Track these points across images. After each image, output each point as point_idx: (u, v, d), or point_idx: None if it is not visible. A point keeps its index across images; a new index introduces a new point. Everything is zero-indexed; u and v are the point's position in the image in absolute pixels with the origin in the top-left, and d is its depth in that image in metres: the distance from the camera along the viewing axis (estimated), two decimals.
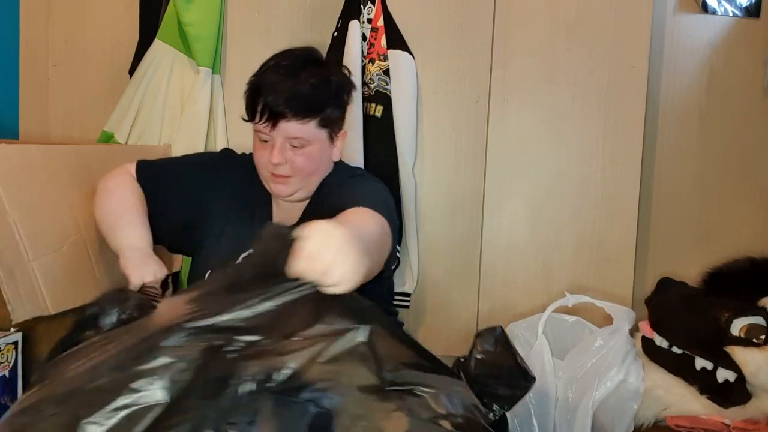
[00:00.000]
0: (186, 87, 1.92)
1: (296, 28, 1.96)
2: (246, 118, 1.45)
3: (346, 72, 1.53)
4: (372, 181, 1.53)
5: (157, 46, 1.92)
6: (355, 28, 1.85)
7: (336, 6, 1.90)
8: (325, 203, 1.42)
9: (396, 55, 1.88)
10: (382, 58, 1.87)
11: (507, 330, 1.61)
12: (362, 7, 1.87)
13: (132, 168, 1.54)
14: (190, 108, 1.90)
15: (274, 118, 1.37)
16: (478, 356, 1.08)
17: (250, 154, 1.60)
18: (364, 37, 1.87)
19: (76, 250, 1.48)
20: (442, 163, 1.95)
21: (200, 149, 1.91)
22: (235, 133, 1.98)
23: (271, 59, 1.46)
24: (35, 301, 1.34)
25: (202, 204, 1.52)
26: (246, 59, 1.96)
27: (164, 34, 1.92)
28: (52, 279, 1.38)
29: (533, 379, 1.09)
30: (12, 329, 1.33)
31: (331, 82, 1.44)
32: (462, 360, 1.10)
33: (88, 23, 2.08)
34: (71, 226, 1.49)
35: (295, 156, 1.40)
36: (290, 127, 1.37)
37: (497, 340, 1.10)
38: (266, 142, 1.41)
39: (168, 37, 1.92)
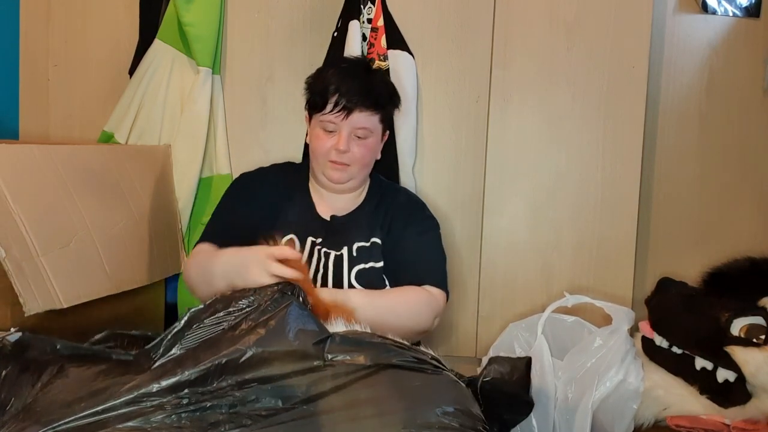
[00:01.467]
0: (186, 87, 1.92)
1: (296, 28, 1.96)
2: (308, 110, 1.63)
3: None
4: (433, 226, 1.71)
5: (157, 46, 1.92)
6: (355, 28, 1.85)
7: (336, 6, 1.90)
8: (394, 227, 1.64)
9: (396, 55, 1.88)
10: (382, 58, 1.87)
11: (506, 330, 1.61)
12: (362, 7, 1.87)
13: (198, 246, 1.58)
14: (190, 108, 1.90)
15: (349, 109, 1.54)
16: (487, 379, 1.09)
17: (270, 165, 1.73)
18: (364, 37, 1.87)
19: (85, 247, 1.50)
20: (442, 163, 1.95)
21: (200, 149, 1.91)
22: (235, 133, 1.98)
23: (328, 64, 1.68)
24: (47, 295, 1.35)
25: (253, 218, 1.60)
26: (246, 59, 1.97)
27: (164, 34, 1.93)
28: (62, 274, 1.40)
29: (533, 405, 1.13)
30: (12, 329, 1.33)
31: (389, 84, 1.68)
32: (471, 379, 1.11)
33: (88, 23, 2.08)
34: (77, 223, 1.50)
35: (356, 147, 1.57)
36: (361, 118, 1.55)
37: (518, 367, 1.11)
38: (331, 132, 1.56)
39: (168, 37, 1.92)
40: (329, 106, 1.54)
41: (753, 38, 2.00)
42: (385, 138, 1.67)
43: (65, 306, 1.38)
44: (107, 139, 1.94)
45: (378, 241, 1.61)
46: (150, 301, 1.78)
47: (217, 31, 1.93)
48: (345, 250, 1.58)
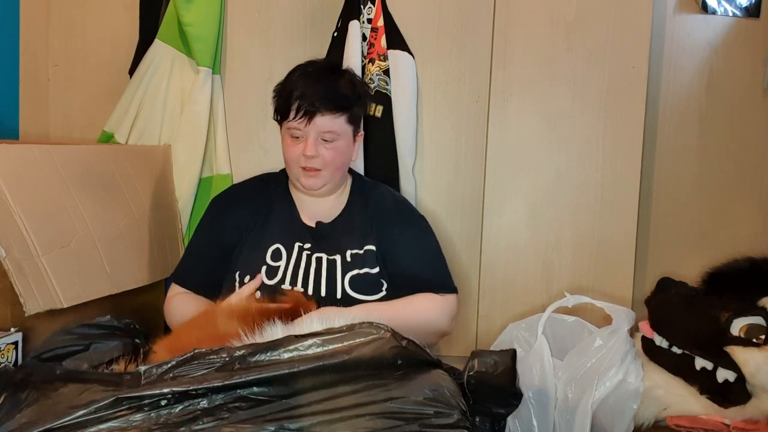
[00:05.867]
0: (186, 87, 1.92)
1: (296, 28, 1.96)
2: (275, 118, 1.61)
3: (361, 79, 1.70)
4: (426, 226, 1.69)
5: (157, 46, 1.92)
6: (355, 28, 1.85)
7: (336, 6, 1.90)
8: (385, 230, 1.62)
9: (396, 55, 1.88)
10: (382, 58, 1.87)
11: (506, 330, 1.61)
12: (362, 7, 1.87)
13: (171, 289, 1.65)
14: (190, 108, 1.90)
15: (311, 114, 1.52)
16: (472, 373, 1.09)
17: (244, 181, 1.73)
18: (364, 37, 1.87)
19: (85, 246, 1.50)
20: (442, 163, 1.95)
21: (200, 149, 1.91)
22: (235, 133, 1.98)
23: (295, 69, 1.63)
24: (47, 295, 1.35)
25: (230, 242, 1.62)
26: (246, 59, 1.97)
27: (164, 34, 1.92)
28: (62, 273, 1.40)
29: (521, 396, 1.14)
30: (12, 329, 1.33)
31: (356, 84, 1.64)
32: (456, 373, 1.11)
33: (88, 23, 2.08)
34: (77, 223, 1.50)
35: (325, 150, 1.55)
36: (324, 121, 1.53)
37: (502, 361, 1.11)
38: (298, 138, 1.55)
39: (168, 37, 1.92)
40: (292, 113, 1.53)
41: (753, 38, 2.00)
42: (359, 139, 1.65)
43: (65, 306, 1.38)
44: (107, 139, 1.94)
45: (372, 248, 1.59)
46: (150, 301, 1.77)
47: (217, 31, 1.93)
48: (338, 257, 1.57)
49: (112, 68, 2.06)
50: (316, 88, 1.54)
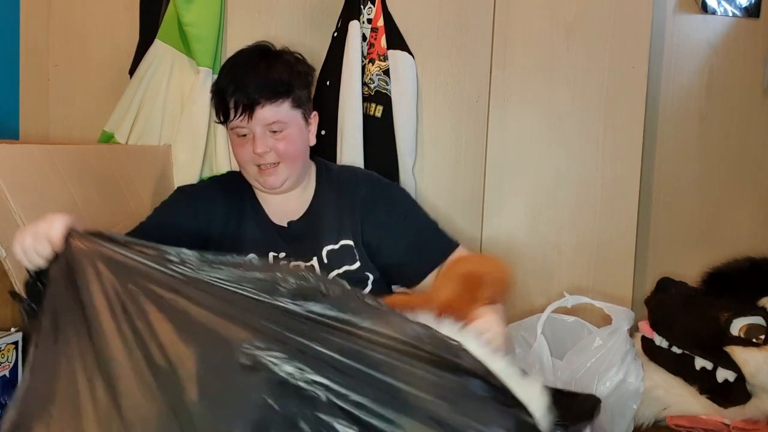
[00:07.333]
0: (186, 87, 1.92)
1: (296, 28, 1.96)
2: (219, 120, 1.49)
3: (299, 56, 1.54)
4: (405, 197, 1.60)
5: (157, 46, 1.92)
6: (355, 28, 1.85)
7: (336, 6, 1.90)
8: (365, 214, 1.50)
9: (396, 55, 1.88)
10: (382, 58, 1.87)
11: (506, 330, 1.61)
12: (362, 7, 1.87)
13: None
14: (190, 108, 1.90)
15: (250, 109, 1.40)
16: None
17: (210, 179, 1.64)
18: (364, 37, 1.87)
19: None
20: (442, 163, 1.95)
21: (200, 149, 1.91)
22: None
23: (226, 63, 1.52)
24: None
25: (196, 237, 1.48)
26: None
27: (164, 34, 1.93)
28: None
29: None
30: (12, 329, 1.34)
31: (293, 63, 1.49)
32: None
33: (88, 23, 2.08)
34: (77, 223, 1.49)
35: (276, 142, 1.44)
36: (266, 112, 1.41)
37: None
38: (245, 136, 1.44)
39: (168, 37, 1.92)
40: (231, 112, 1.42)
41: (753, 38, 2.00)
42: (313, 120, 1.53)
43: None
44: (107, 139, 1.95)
45: (349, 242, 1.48)
46: None
47: (217, 31, 1.93)
48: (315, 260, 1.45)
49: (112, 68, 2.07)
50: (249, 78, 1.41)
